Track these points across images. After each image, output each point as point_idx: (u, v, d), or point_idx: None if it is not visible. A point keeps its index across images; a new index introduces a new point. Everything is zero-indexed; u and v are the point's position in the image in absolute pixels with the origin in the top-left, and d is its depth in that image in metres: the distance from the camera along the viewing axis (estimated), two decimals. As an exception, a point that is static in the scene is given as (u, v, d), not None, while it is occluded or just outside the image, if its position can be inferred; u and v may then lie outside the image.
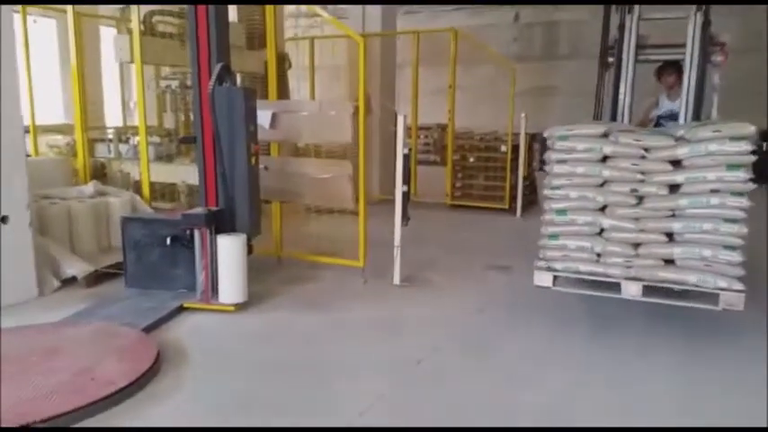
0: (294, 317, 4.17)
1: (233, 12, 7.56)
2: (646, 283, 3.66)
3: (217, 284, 4.17)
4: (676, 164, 3.59)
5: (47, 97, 10.42)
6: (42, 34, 9.88)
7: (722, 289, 3.51)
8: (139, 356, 3.30)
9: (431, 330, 3.96)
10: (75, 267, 4.73)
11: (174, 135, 6.83)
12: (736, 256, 3.48)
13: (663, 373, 3.34)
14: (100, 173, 6.52)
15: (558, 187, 3.85)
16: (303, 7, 10.14)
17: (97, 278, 4.78)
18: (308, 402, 2.99)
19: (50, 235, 4.92)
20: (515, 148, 8.17)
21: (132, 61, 5.77)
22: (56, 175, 5.94)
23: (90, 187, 5.65)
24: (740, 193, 3.46)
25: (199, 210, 4.29)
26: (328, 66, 10.55)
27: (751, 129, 3.43)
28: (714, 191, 3.50)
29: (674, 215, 3.60)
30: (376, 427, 2.79)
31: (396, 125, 4.71)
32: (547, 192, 3.91)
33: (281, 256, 5.43)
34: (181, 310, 4.16)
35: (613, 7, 4.65)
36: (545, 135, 3.96)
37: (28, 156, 5.35)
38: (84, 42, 6.27)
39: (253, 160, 4.32)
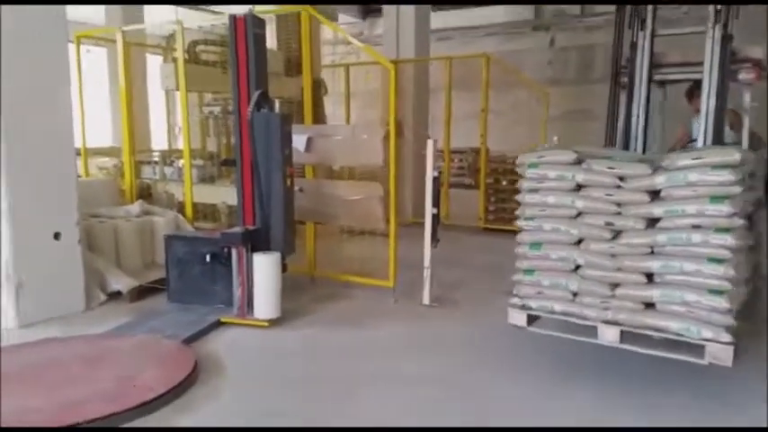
0: (325, 333, 4.31)
1: (272, 39, 7.89)
2: (624, 329, 3.26)
3: (252, 300, 4.35)
4: (656, 195, 3.21)
5: (98, 122, 10.96)
6: (95, 63, 10.44)
7: (707, 340, 3.04)
8: (178, 367, 3.47)
9: (458, 349, 4.04)
10: (121, 282, 4.99)
11: (216, 158, 7.13)
12: (723, 302, 2.99)
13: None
14: (146, 193, 6.85)
15: (531, 218, 3.58)
16: (340, 35, 10.44)
17: (141, 293, 5.02)
18: (335, 415, 3.10)
19: (98, 251, 5.20)
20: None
21: (177, 88, 6.09)
22: (104, 195, 6.26)
23: (136, 207, 5.94)
24: (726, 230, 3.01)
25: (236, 229, 4.50)
26: (364, 91, 10.84)
27: (736, 156, 3.01)
28: (696, 226, 3.07)
29: (652, 252, 3.20)
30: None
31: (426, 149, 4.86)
32: (521, 223, 3.65)
33: (315, 275, 5.60)
34: (218, 324, 4.35)
35: (626, 24, 4.38)
36: (517, 162, 3.71)
37: (79, 177, 5.68)
38: (131, 70, 6.65)
39: (288, 182, 4.51)
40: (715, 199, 3.03)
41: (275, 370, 3.67)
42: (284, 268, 4.52)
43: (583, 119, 13.58)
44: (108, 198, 6.27)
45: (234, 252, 4.35)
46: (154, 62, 9.50)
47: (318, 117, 7.13)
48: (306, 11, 5.68)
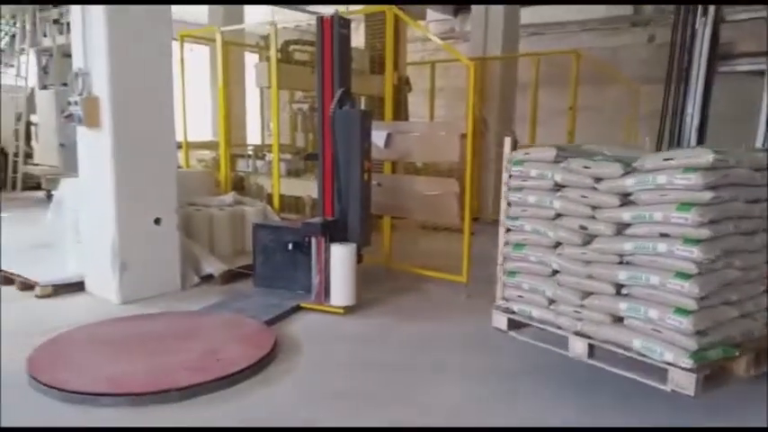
0: (396, 323, 4.48)
1: (360, 38, 8.14)
2: (592, 342, 3.06)
3: (329, 288, 4.60)
4: (628, 197, 2.98)
5: (199, 117, 11.71)
6: (197, 61, 11.17)
7: (669, 363, 2.76)
8: (259, 345, 3.75)
9: (523, 347, 4.06)
10: (213, 266, 5.40)
11: (303, 153, 7.49)
12: (686, 323, 2.68)
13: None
14: (239, 185, 7.31)
15: (515, 218, 3.47)
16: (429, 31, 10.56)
17: (230, 277, 5.41)
18: (396, 397, 3.26)
19: (194, 237, 5.64)
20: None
21: (270, 86, 6.46)
22: (201, 185, 6.75)
23: (229, 197, 6.38)
24: (695, 241, 2.69)
25: (316, 220, 4.76)
26: (452, 87, 10.90)
27: (708, 157, 2.67)
28: (664, 235, 2.79)
29: (621, 261, 2.98)
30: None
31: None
32: (507, 222, 3.53)
33: (391, 267, 5.78)
34: (298, 308, 4.63)
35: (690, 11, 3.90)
36: (504, 161, 3.55)
37: (179, 168, 6.17)
38: (230, 68, 7.10)
39: (366, 176, 4.71)
40: (682, 206, 2.74)
41: (347, 354, 3.88)
42: (360, 259, 4.73)
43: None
44: (204, 188, 6.75)
45: (313, 241, 4.61)
46: (252, 61, 10.06)
47: (401, 114, 7.31)
48: (390, 10, 5.85)
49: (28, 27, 10.71)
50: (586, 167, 3.08)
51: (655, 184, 2.82)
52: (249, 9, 11.18)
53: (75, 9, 4.65)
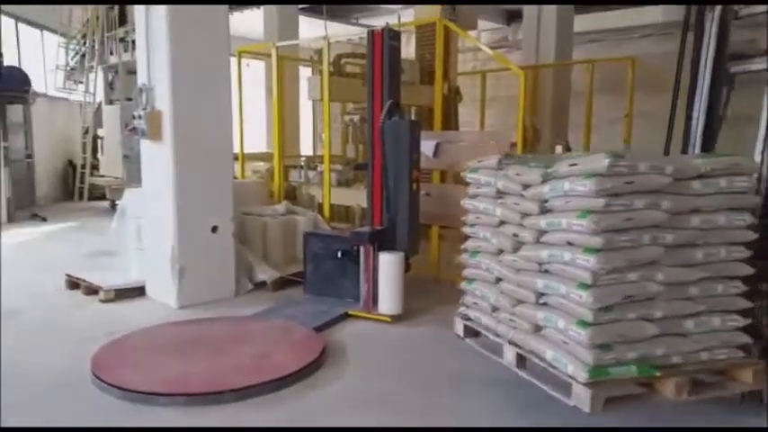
0: (442, 332, 4.46)
1: (411, 49, 8.22)
2: (520, 351, 3.05)
3: (377, 296, 4.65)
4: (545, 204, 2.96)
5: (255, 129, 12.04)
6: (253, 75, 11.52)
7: (570, 377, 2.70)
8: (308, 350, 3.84)
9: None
10: (266, 273, 5.55)
11: (353, 163, 7.60)
12: (584, 336, 2.62)
13: None
14: (291, 195, 7.49)
15: (472, 225, 3.54)
16: (481, 41, 10.56)
17: (282, 283, 5.55)
18: (436, 407, 3.27)
19: (248, 245, 5.82)
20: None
21: (321, 99, 6.62)
22: (256, 195, 6.94)
23: (282, 207, 6.55)
24: (594, 250, 2.62)
25: (365, 229, 4.84)
26: (505, 96, 10.84)
27: (603, 162, 2.58)
28: (570, 243, 2.74)
29: (540, 270, 2.96)
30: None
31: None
32: (466, 230, 3.62)
33: (438, 277, 5.79)
34: (346, 316, 4.71)
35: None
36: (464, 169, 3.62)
37: (235, 178, 6.38)
38: (284, 82, 7.31)
39: (414, 186, 4.76)
40: (582, 213, 2.66)
41: (392, 361, 3.92)
42: (408, 268, 4.77)
43: (742, 123, 12.40)
44: (259, 198, 6.94)
45: (362, 250, 4.69)
46: (306, 74, 10.30)
47: (451, 123, 7.33)
48: (441, 22, 5.92)
49: (96, 46, 11.32)
50: (518, 174, 3.10)
51: (562, 191, 2.79)
52: (303, 24, 11.49)
53: (140, 28, 4.91)
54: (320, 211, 6.68)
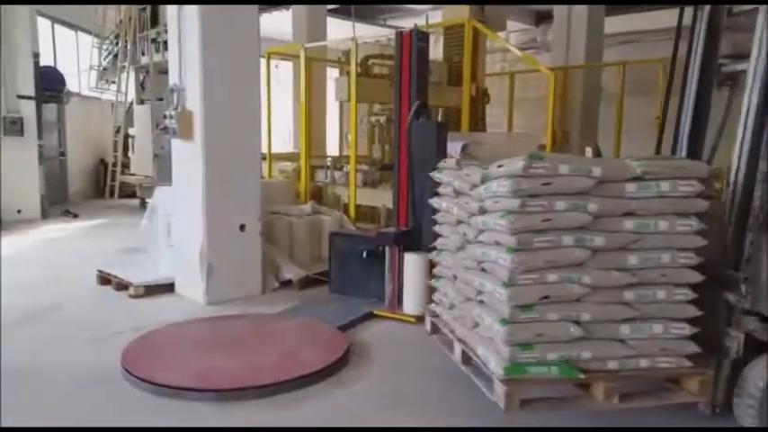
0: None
1: (439, 50, 8.22)
2: (464, 347, 3.08)
3: (402, 296, 4.66)
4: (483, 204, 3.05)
5: (282, 129, 12.16)
6: (281, 76, 11.63)
7: (492, 373, 2.74)
8: (333, 349, 3.86)
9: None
10: (292, 272, 5.60)
11: (379, 164, 7.63)
12: (502, 333, 2.66)
13: None
14: (317, 195, 7.55)
15: (439, 224, 3.68)
16: (510, 43, 10.51)
17: (308, 282, 5.59)
18: (458, 407, 3.26)
19: (275, 244, 5.88)
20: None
21: (348, 100, 6.66)
22: (283, 194, 7.01)
23: (308, 207, 6.60)
24: (511, 249, 2.66)
25: (390, 229, 4.85)
26: (532, 98, 10.76)
27: (519, 164, 2.62)
28: (497, 242, 2.79)
29: (479, 268, 3.01)
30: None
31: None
32: (435, 228, 3.75)
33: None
34: (371, 316, 4.72)
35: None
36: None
37: (262, 178, 6.45)
38: (312, 82, 7.37)
39: (441, 187, 4.75)
40: (504, 213, 2.72)
41: (414, 361, 3.91)
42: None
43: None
44: (286, 197, 7.00)
45: (387, 250, 4.70)
46: (333, 75, 10.37)
47: (478, 125, 7.31)
48: (470, 23, 5.91)
49: (128, 46, 11.54)
50: (468, 175, 3.17)
51: (492, 192, 2.85)
52: (331, 25, 11.56)
53: (172, 28, 5.00)
54: (346, 211, 6.72)
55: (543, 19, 13.65)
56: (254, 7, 5.04)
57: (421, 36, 4.84)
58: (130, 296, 5.15)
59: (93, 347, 4.02)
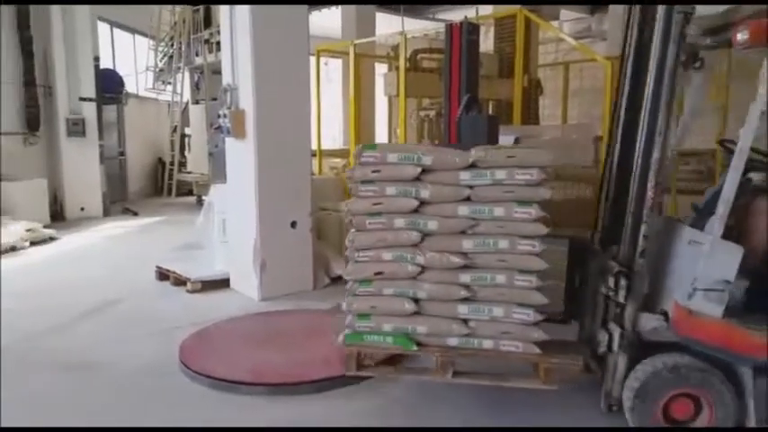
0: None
1: (489, 42, 8.08)
2: None
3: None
4: None
5: (333, 126, 12.23)
6: (331, 72, 11.70)
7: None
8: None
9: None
10: (343, 268, 5.61)
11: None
12: (345, 303, 3.02)
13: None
14: (367, 191, 7.53)
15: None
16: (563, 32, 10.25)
17: (358, 279, 5.60)
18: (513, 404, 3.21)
19: (325, 240, 5.92)
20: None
21: (398, 95, 6.62)
22: (333, 191, 7.05)
23: (358, 202, 6.59)
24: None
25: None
26: (587, 89, 10.46)
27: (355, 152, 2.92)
28: None
29: None
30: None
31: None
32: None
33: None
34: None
35: None
36: None
37: (312, 175, 6.49)
38: (361, 78, 7.37)
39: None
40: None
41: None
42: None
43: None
44: (336, 194, 7.03)
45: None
46: (382, 70, 10.36)
47: (531, 117, 7.15)
48: (521, 13, 5.77)
49: (183, 48, 11.85)
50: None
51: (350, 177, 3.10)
52: (380, 20, 11.55)
53: (225, 29, 5.08)
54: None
55: (598, 8, 13.26)
56: (304, 6, 5.07)
57: (471, 29, 4.75)
58: (188, 291, 5.28)
59: (153, 341, 4.14)
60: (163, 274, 5.68)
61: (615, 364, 2.82)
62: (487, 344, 2.88)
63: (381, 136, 10.77)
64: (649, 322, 2.76)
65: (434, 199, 2.84)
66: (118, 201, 11.19)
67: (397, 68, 6.80)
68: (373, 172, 2.89)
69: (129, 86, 12.69)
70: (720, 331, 2.65)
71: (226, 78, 5.10)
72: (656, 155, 2.75)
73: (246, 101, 4.90)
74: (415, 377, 3.17)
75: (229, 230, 5.44)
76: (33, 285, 5.63)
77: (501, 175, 2.77)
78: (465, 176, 2.81)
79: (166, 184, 12.53)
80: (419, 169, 2.84)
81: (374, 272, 2.92)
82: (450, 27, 4.79)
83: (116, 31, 13.09)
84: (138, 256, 6.83)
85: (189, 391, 3.39)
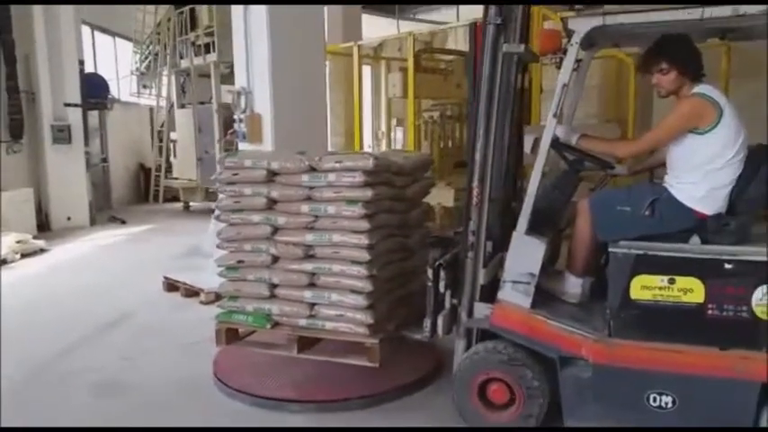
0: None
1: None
2: None
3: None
4: None
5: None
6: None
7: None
8: (426, 357, 3.73)
9: None
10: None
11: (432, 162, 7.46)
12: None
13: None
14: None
15: None
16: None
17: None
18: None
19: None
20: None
21: (405, 96, 6.52)
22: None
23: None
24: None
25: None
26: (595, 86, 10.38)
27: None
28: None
29: None
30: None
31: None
32: None
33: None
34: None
35: None
36: None
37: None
38: (345, 80, 7.18)
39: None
40: None
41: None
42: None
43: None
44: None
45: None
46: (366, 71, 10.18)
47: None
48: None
49: (167, 49, 11.49)
50: None
51: None
52: (366, 23, 11.41)
53: (238, 30, 4.91)
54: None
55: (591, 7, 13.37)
56: (321, 7, 4.94)
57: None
58: (201, 302, 5.08)
59: (178, 356, 3.98)
60: (171, 285, 5.46)
61: (455, 350, 3.08)
62: (329, 325, 3.25)
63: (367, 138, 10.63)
64: (482, 311, 2.93)
65: (282, 198, 3.28)
66: (102, 209, 10.80)
67: (401, 69, 6.71)
68: (234, 175, 3.36)
69: (112, 91, 12.30)
70: (523, 322, 2.82)
71: (239, 81, 4.93)
72: (477, 157, 2.93)
73: (263, 105, 4.77)
74: (266, 351, 3.51)
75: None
76: (35, 299, 5.38)
77: (332, 177, 3.15)
78: (306, 179, 3.22)
79: (152, 191, 12.17)
80: (264, 173, 3.28)
81: (237, 260, 3.38)
82: (474, 26, 4.70)
83: (97, 34, 12.70)
84: (137, 266, 6.60)
85: (229, 411, 3.23)
